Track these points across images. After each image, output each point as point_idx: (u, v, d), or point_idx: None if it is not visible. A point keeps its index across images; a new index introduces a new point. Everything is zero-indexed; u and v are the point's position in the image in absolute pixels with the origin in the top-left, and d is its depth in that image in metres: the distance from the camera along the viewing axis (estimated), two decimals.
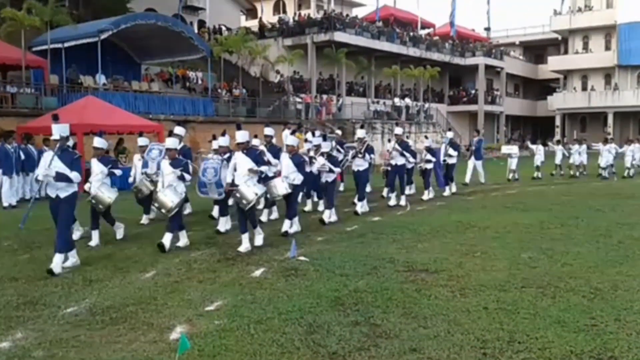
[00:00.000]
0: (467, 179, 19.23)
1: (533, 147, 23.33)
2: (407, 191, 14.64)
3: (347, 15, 40.80)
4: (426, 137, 18.08)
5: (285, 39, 36.16)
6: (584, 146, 22.92)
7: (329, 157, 11.47)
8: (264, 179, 9.57)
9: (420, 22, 46.26)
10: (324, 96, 34.28)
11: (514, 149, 21.67)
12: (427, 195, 15.04)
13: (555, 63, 53.65)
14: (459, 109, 47.35)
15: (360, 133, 13.04)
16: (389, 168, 13.94)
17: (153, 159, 10.90)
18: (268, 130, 11.81)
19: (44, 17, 21.19)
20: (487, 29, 54.84)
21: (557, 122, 51.35)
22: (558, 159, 23.05)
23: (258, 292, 6.44)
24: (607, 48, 51.03)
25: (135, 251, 8.72)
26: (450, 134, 17.67)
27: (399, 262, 7.74)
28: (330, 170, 11.36)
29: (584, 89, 51.87)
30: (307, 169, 10.77)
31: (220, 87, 29.25)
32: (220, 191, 9.57)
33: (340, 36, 34.95)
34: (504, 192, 17.06)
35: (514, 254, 8.13)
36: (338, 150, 14.62)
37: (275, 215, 11.86)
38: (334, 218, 11.41)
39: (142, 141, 11.36)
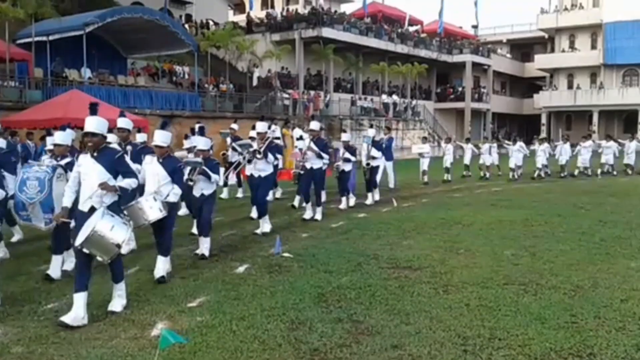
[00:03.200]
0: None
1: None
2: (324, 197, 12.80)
3: (335, 11, 40.71)
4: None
5: (273, 34, 36.04)
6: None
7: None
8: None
9: (408, 18, 46.29)
10: (312, 92, 34.23)
11: (425, 148, 19.37)
12: (344, 203, 12.69)
13: (541, 61, 53.92)
14: (446, 106, 47.50)
15: (260, 127, 9.91)
16: (302, 172, 11.74)
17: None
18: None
19: (29, 10, 20.88)
20: (475, 27, 54.97)
21: (543, 120, 51.67)
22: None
23: (241, 289, 6.42)
24: (593, 47, 51.37)
25: None
26: (372, 132, 14.33)
27: (383, 258, 7.76)
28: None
29: (570, 87, 52.20)
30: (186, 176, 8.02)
31: (207, 82, 29.10)
32: (48, 218, 6.57)
33: (328, 32, 34.88)
34: (489, 190, 17.15)
35: (497, 251, 8.18)
36: (233, 149, 12.62)
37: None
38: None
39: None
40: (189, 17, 36.42)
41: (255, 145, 9.87)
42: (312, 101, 33.28)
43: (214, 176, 8.08)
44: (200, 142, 8.45)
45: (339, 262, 7.52)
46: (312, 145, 11.16)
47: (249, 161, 9.87)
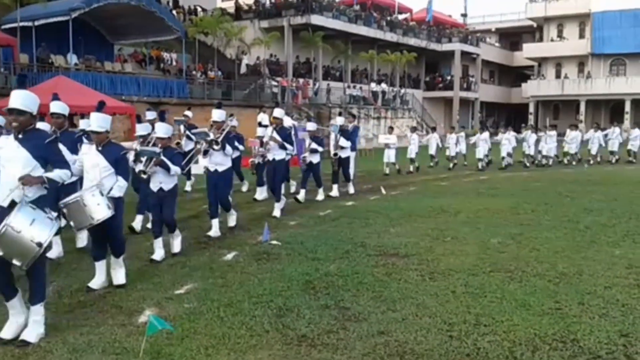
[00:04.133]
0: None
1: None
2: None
3: None
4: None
5: (262, 21, 35.85)
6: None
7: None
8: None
9: (397, 6, 46.23)
10: (300, 80, 34.13)
11: (391, 139, 18.27)
12: (321, 195, 12.12)
13: (530, 50, 54.12)
14: (434, 94, 47.61)
15: (217, 115, 8.82)
16: (260, 161, 11.28)
17: None
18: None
19: None
20: (464, 15, 55.07)
21: (531, 109, 51.92)
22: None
23: (229, 276, 6.43)
24: (581, 36, 51.61)
25: None
26: (340, 120, 13.35)
27: (371, 246, 7.79)
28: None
29: (558, 76, 52.46)
30: (138, 167, 7.41)
31: (195, 68, 28.93)
32: None
33: (317, 19, 34.75)
34: (476, 178, 17.24)
35: (483, 239, 8.24)
36: (188, 138, 11.63)
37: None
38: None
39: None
40: (176, 3, 36.11)
41: (212, 135, 8.70)
42: (301, 89, 33.20)
43: (173, 168, 7.14)
44: (160, 129, 7.44)
45: (326, 250, 7.54)
46: (275, 135, 10.25)
47: (205, 152, 8.74)
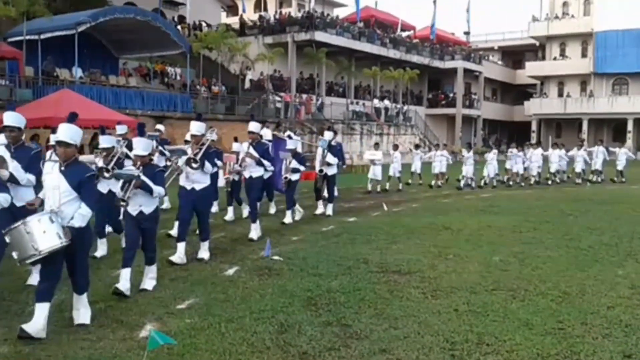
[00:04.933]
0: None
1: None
2: (272, 209, 12.00)
3: (328, 15, 40.82)
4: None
5: (266, 36, 36.08)
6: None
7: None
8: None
9: (400, 24, 46.50)
10: (304, 95, 34.26)
11: (377, 155, 17.45)
12: (289, 217, 11.11)
13: (532, 69, 54.29)
14: (437, 112, 47.68)
15: (195, 127, 8.01)
16: (236, 178, 10.78)
17: None
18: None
19: (20, 8, 20.81)
20: (467, 33, 55.28)
21: (533, 127, 51.99)
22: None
23: (230, 291, 6.42)
24: (584, 55, 51.80)
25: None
26: (329, 135, 12.68)
27: (373, 263, 7.77)
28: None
29: (560, 95, 52.59)
30: (107, 188, 7.27)
31: (199, 83, 29.07)
32: None
33: (321, 36, 34.96)
34: (478, 196, 17.23)
35: (485, 257, 8.22)
36: (161, 153, 11.08)
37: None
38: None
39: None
40: (181, 19, 36.38)
41: (190, 152, 7.89)
42: (304, 104, 33.32)
43: (156, 189, 6.39)
44: (139, 145, 6.56)
45: (328, 266, 7.53)
46: (251, 150, 9.51)
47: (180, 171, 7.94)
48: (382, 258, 8.07)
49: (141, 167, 6.46)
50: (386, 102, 40.02)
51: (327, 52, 33.97)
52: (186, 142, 9.71)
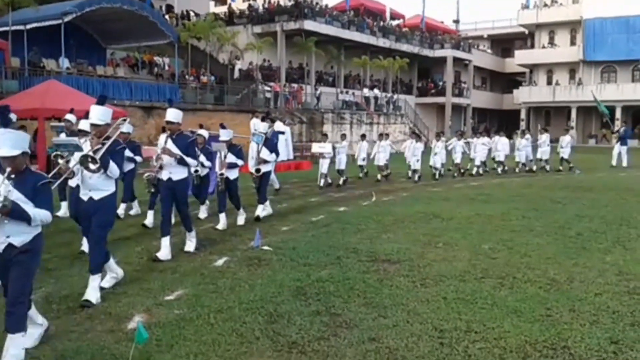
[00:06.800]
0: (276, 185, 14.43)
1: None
2: (202, 214, 10.50)
3: (317, 3, 40.62)
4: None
5: (255, 26, 35.84)
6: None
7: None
8: None
9: (390, 12, 46.39)
10: (294, 85, 34.13)
11: (326, 148, 15.99)
12: (223, 222, 9.60)
13: (521, 57, 54.40)
14: (427, 100, 47.72)
15: (96, 114, 5.89)
16: (153, 181, 8.20)
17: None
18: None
19: None
20: (456, 22, 55.35)
21: (523, 115, 52.17)
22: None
23: (220, 282, 6.40)
24: (573, 43, 51.93)
25: None
26: (263, 127, 11.32)
27: (363, 252, 7.78)
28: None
29: (549, 83, 52.75)
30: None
31: (188, 73, 28.88)
32: None
33: (310, 25, 34.78)
34: (467, 184, 17.29)
35: (474, 245, 8.25)
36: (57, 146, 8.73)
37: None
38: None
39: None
40: (169, 8, 36.12)
41: (86, 147, 5.95)
42: (294, 94, 33.20)
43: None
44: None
45: (318, 256, 7.52)
46: (170, 145, 7.39)
47: (72, 173, 6.21)
48: (371, 247, 8.07)
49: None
50: (376, 91, 39.97)
51: (317, 41, 33.81)
52: (80, 131, 7.26)
